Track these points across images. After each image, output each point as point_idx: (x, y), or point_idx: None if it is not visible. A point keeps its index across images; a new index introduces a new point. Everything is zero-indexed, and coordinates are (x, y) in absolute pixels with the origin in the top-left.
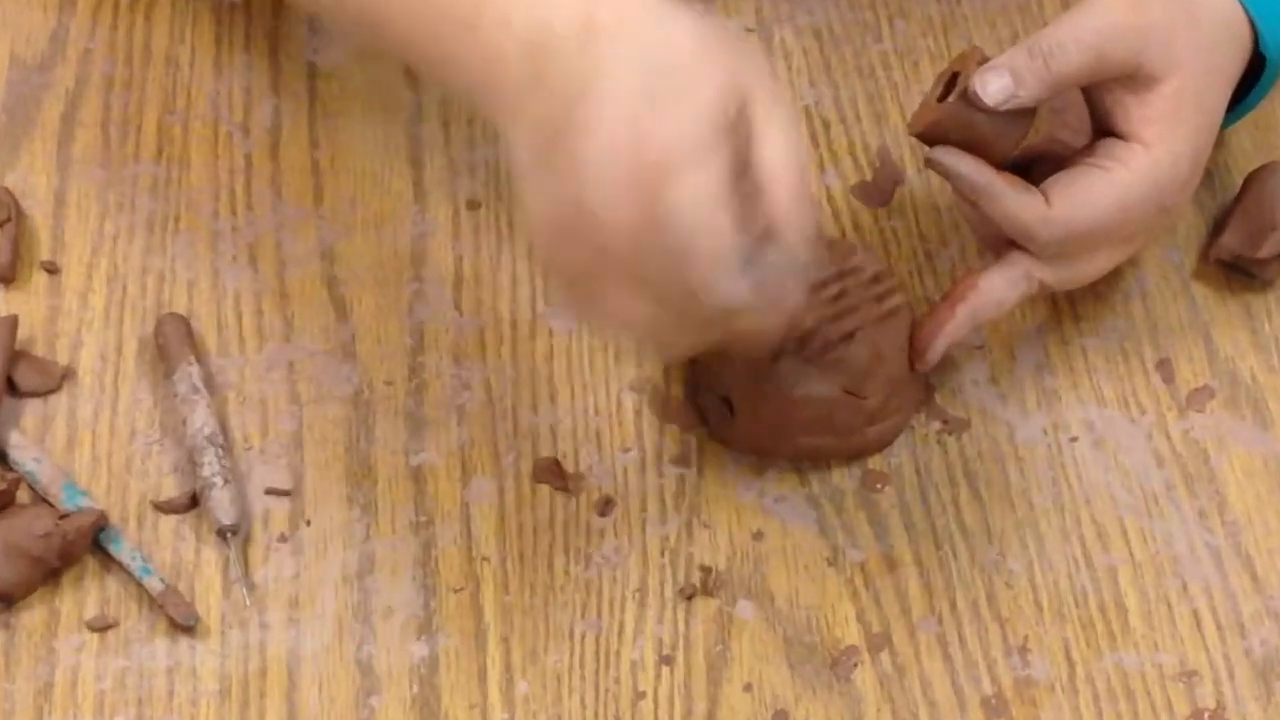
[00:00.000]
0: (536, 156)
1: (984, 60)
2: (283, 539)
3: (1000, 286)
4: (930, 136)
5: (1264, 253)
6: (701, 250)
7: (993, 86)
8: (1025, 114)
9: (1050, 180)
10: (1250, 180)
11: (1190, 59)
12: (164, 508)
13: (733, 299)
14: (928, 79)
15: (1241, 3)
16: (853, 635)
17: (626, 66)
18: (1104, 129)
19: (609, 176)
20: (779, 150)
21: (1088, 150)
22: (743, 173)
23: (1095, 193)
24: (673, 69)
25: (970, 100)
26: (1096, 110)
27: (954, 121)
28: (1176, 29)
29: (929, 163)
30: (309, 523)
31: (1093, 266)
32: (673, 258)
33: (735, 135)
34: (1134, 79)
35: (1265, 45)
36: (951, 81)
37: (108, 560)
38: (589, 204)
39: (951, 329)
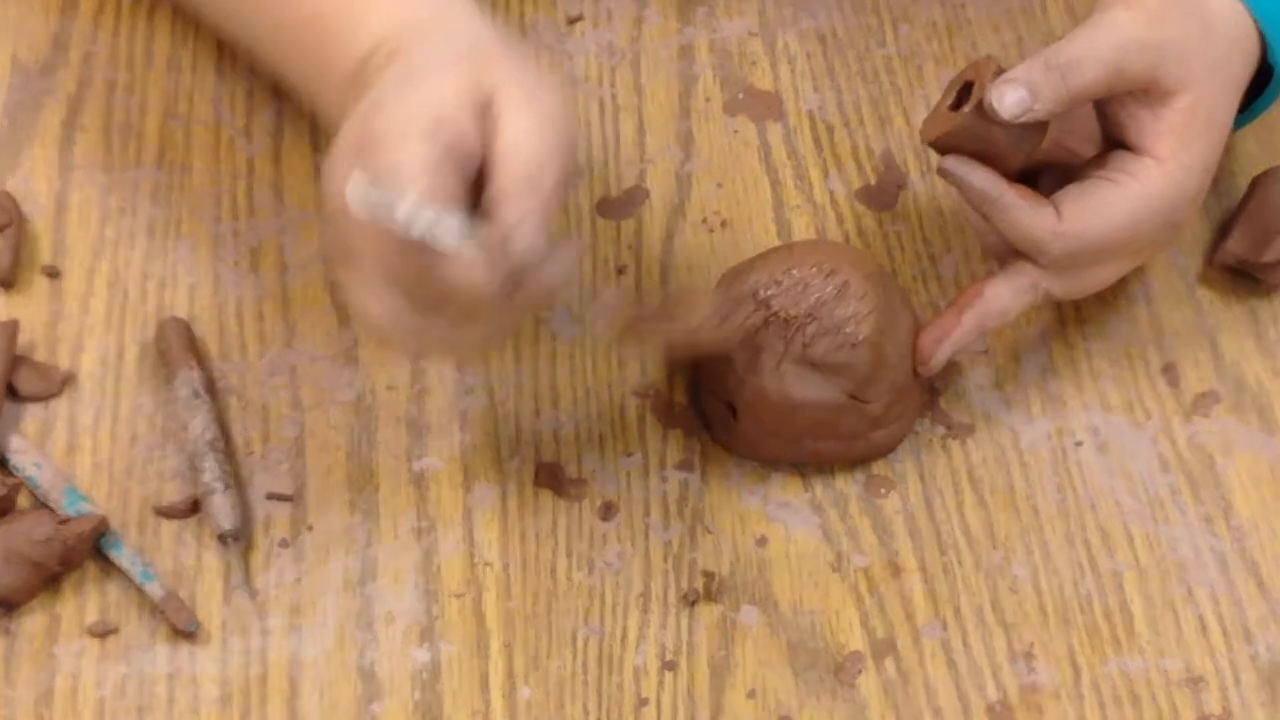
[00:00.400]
0: (334, 148)
1: (999, 71)
2: (284, 544)
3: (1006, 295)
4: (943, 146)
5: (1269, 257)
6: (380, 214)
7: (1009, 99)
8: (1038, 127)
9: (1061, 193)
10: (1255, 185)
11: (1205, 74)
12: (165, 513)
13: (453, 277)
14: (931, 83)
15: (1251, 14)
16: (857, 641)
17: (389, 77)
18: (1115, 141)
19: (332, 165)
20: (509, 137)
21: (1098, 162)
22: (477, 163)
23: (1107, 206)
24: (417, 72)
25: (985, 113)
26: (1109, 122)
27: (968, 133)
28: (1192, 43)
29: (941, 172)
30: (310, 528)
31: (1100, 277)
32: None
33: (469, 127)
34: (1149, 93)
35: (1275, 56)
36: (964, 90)
37: (108, 566)
38: (323, 191)
39: (957, 336)
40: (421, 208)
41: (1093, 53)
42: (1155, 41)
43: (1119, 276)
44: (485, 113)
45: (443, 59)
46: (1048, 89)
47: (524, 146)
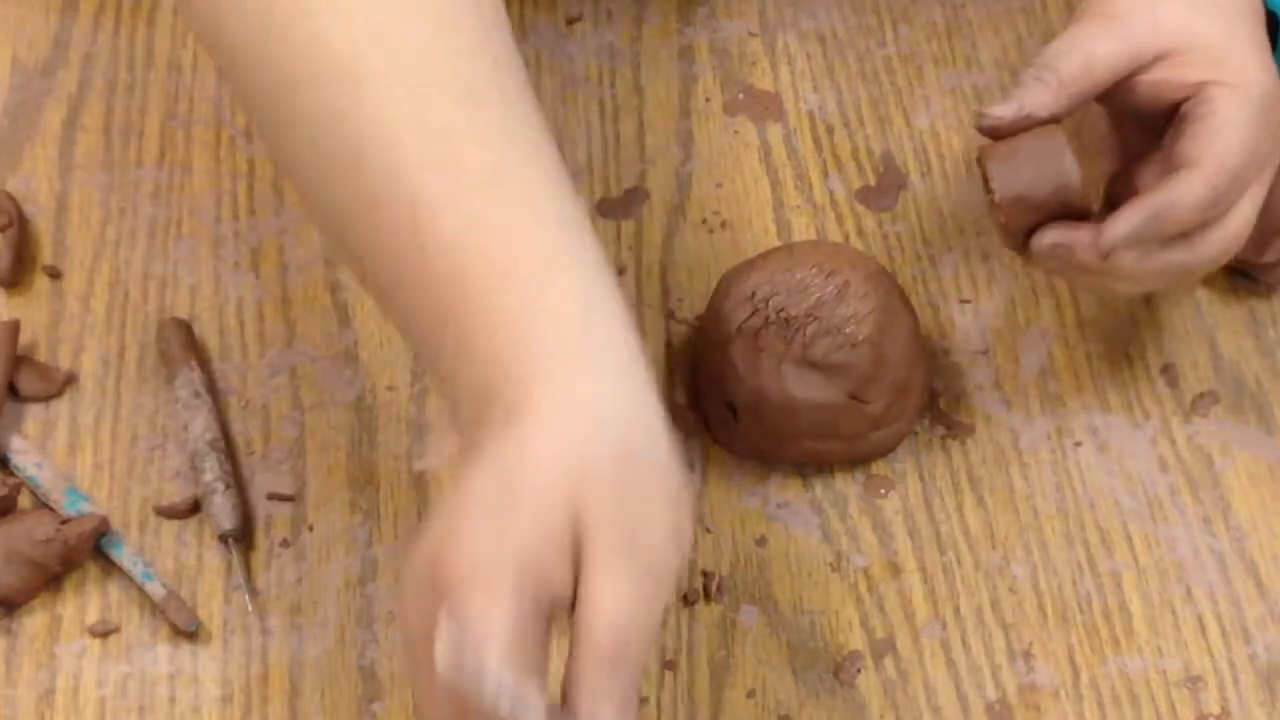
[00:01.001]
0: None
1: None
2: (285, 544)
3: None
4: (1021, 220)
5: (1269, 257)
6: (468, 682)
7: (998, 109)
8: (1060, 150)
9: (1168, 150)
10: None
11: (1209, 21)
12: (166, 513)
13: None
14: (931, 83)
15: None
16: (856, 641)
17: (487, 478)
18: (1170, 112)
19: (410, 589)
20: (596, 602)
21: (1174, 132)
22: (556, 613)
23: (1223, 125)
24: (512, 492)
25: (987, 133)
26: (1153, 110)
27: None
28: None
29: (1037, 260)
30: (311, 528)
31: (1244, 216)
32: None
33: (558, 574)
34: (1160, 59)
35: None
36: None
37: (109, 566)
38: (401, 591)
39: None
40: (508, 681)
41: (1071, 43)
42: (1129, 18)
43: (1256, 212)
44: (576, 552)
45: (540, 479)
46: (1033, 85)
47: (609, 614)
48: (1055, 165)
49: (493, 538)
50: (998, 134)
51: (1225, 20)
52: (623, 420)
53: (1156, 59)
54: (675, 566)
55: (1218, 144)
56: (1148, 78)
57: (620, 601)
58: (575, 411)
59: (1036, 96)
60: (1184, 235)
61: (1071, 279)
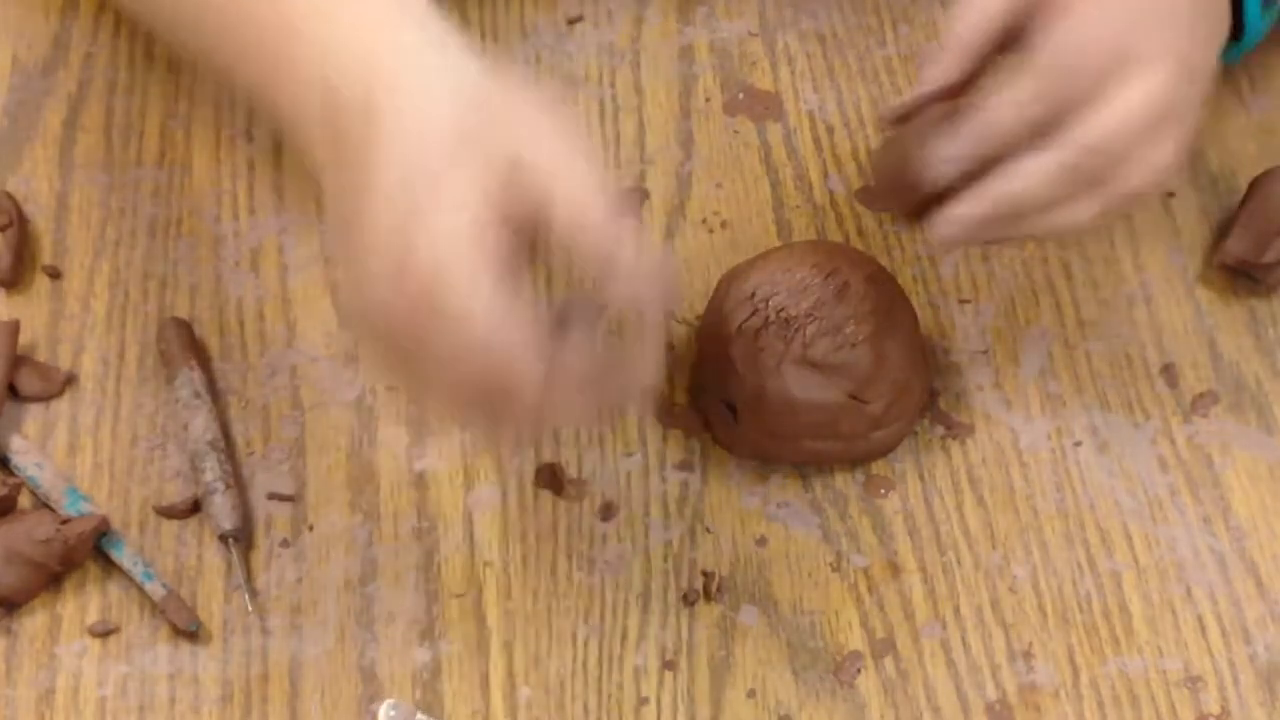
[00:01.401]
0: (336, 227)
1: None
2: (285, 544)
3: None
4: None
5: (1268, 257)
6: (495, 344)
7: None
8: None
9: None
10: (1255, 185)
11: None
12: (166, 513)
13: (529, 402)
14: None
15: None
16: (856, 641)
17: (391, 168)
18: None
19: (384, 289)
20: (568, 204)
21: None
22: (535, 234)
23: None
24: (431, 166)
25: (888, 122)
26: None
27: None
28: None
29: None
30: (311, 528)
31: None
32: (464, 360)
33: (513, 203)
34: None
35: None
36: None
37: (109, 566)
38: (372, 298)
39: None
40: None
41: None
42: None
43: (1166, 99)
44: (516, 178)
45: (452, 136)
46: (925, 69)
47: (588, 208)
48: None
49: (442, 217)
50: (899, 120)
51: None
52: (478, 74)
53: (1034, 5)
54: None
55: (1046, 32)
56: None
57: (580, 191)
58: (441, 92)
59: (928, 73)
60: (1053, 135)
61: (1005, 239)
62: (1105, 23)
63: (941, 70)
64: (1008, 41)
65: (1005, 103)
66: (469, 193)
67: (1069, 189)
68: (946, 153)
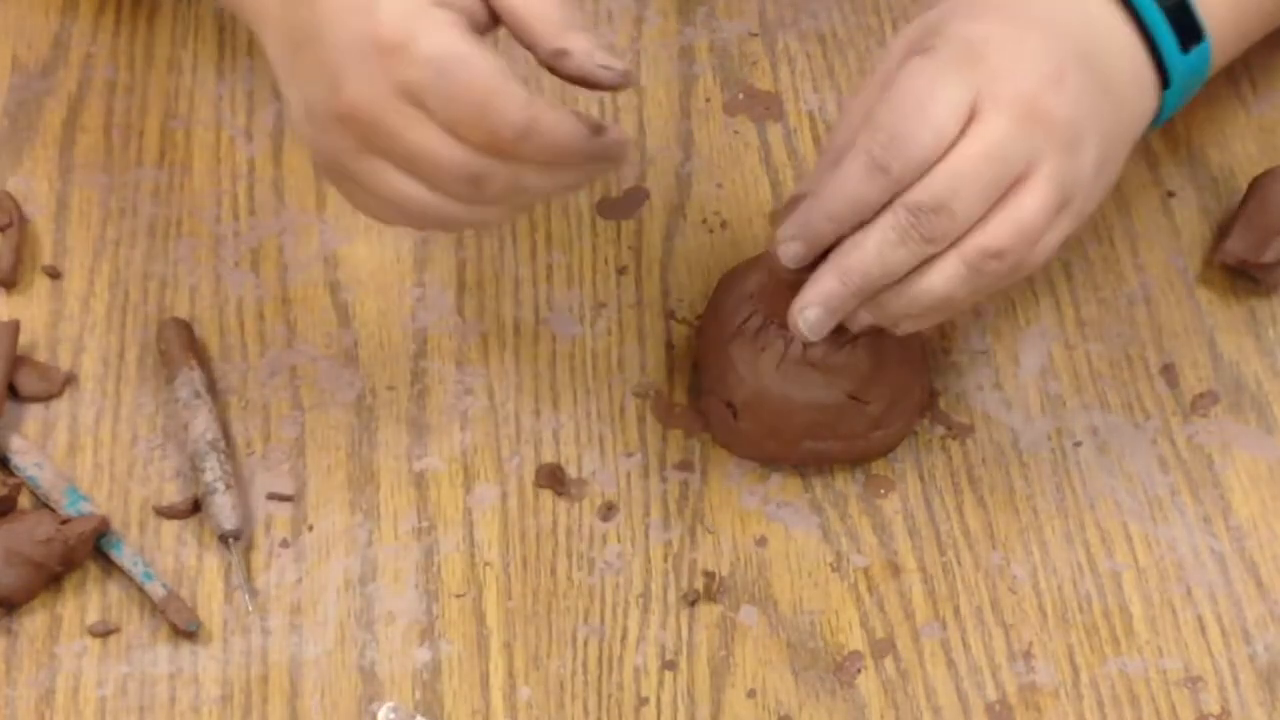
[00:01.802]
0: (290, 59)
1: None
2: (285, 544)
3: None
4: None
5: (1268, 257)
6: (477, 72)
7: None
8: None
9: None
10: (1255, 185)
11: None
12: (166, 513)
13: (522, 118)
14: None
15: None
16: (856, 641)
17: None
18: None
19: (357, 64)
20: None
21: None
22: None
23: (901, 78)
24: None
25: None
26: None
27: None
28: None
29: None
30: (311, 528)
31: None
32: (446, 108)
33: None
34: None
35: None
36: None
37: (109, 566)
38: (346, 93)
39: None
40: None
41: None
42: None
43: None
44: None
45: None
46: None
47: None
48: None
49: None
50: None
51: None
52: None
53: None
54: None
55: (884, 106)
56: None
57: None
58: None
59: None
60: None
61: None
62: (933, 81)
63: (813, 179)
64: None
65: (836, 185)
66: None
67: (912, 252)
68: (785, 232)
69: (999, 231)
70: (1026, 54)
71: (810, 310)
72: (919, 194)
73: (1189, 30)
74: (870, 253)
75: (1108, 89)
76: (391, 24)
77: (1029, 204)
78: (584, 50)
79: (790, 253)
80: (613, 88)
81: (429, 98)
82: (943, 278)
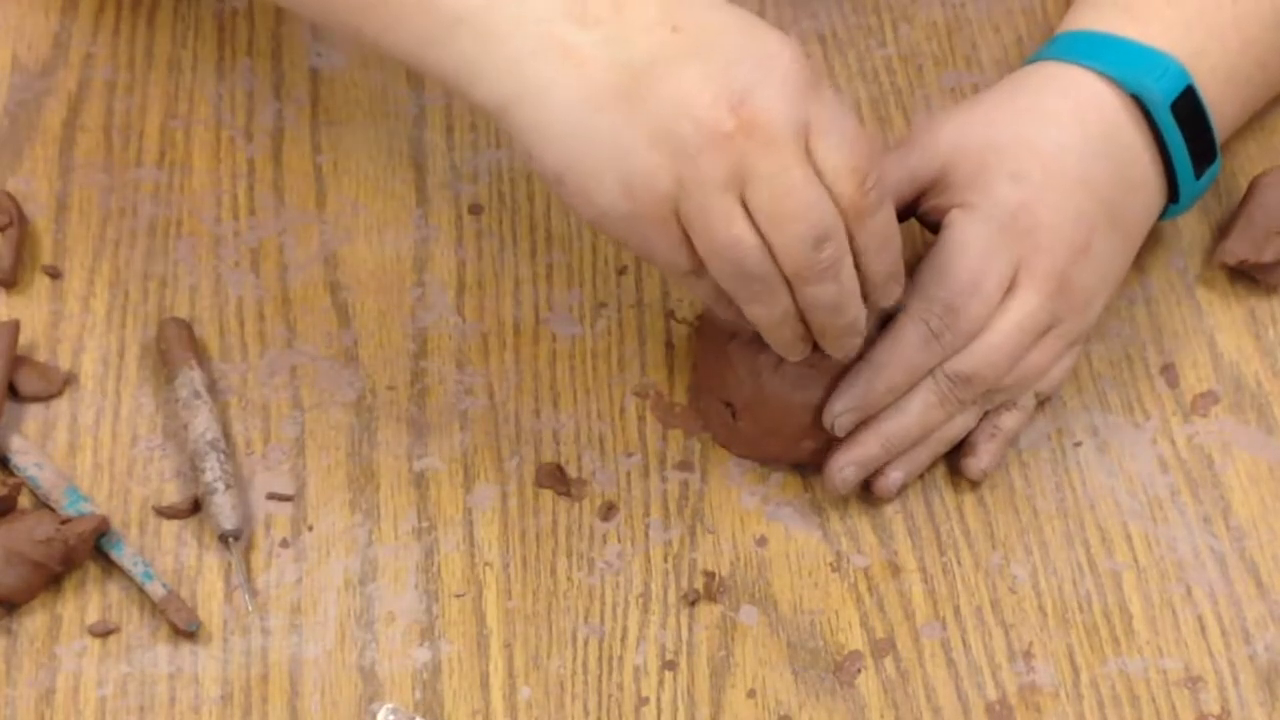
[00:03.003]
0: (606, 105)
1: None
2: (285, 544)
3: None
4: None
5: (1268, 257)
6: (864, 135)
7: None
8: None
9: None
10: (1255, 185)
11: (982, 130)
12: (166, 513)
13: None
14: (932, 83)
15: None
16: (856, 641)
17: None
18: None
19: (768, 77)
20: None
21: None
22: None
23: (950, 245)
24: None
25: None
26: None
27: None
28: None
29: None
30: (311, 528)
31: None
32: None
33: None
34: (937, 182)
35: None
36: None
37: (109, 566)
38: (753, 103)
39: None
40: None
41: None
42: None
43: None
44: None
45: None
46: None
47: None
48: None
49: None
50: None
51: (1005, 124)
52: None
53: (934, 182)
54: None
55: (938, 273)
56: (928, 204)
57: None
58: None
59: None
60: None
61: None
62: (973, 247)
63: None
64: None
65: (894, 355)
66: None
67: (948, 414)
68: (840, 406)
69: (1011, 384)
70: (1064, 226)
71: (849, 470)
72: (961, 364)
73: (1205, 153)
74: (913, 418)
75: (1126, 235)
76: (618, 215)
77: (1036, 358)
78: None
79: (844, 424)
80: None
81: (827, 131)
82: (962, 426)
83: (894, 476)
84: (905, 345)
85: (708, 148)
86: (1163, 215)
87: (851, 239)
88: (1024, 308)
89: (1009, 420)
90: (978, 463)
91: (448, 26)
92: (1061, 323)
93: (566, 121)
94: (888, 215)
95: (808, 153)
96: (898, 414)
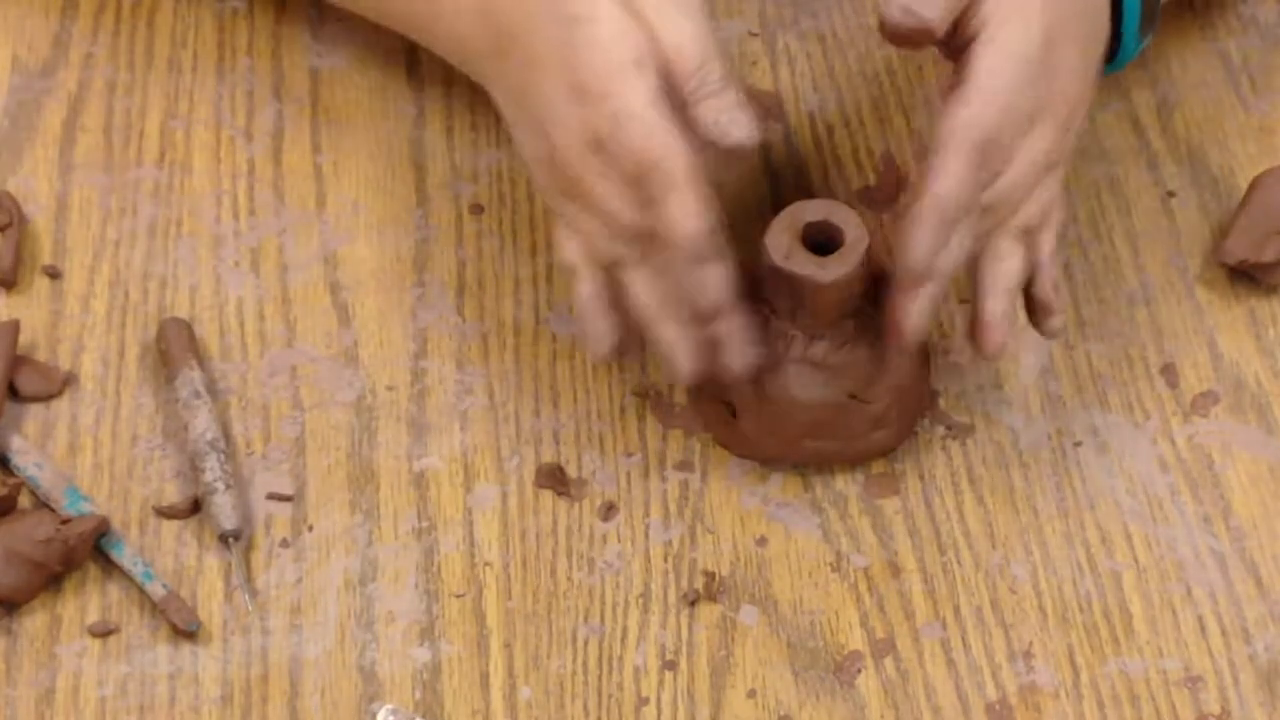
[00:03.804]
0: (514, 113)
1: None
2: (285, 544)
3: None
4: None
5: (1268, 257)
6: (645, 150)
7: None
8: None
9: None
10: (1255, 185)
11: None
12: (166, 513)
13: (667, 193)
14: (932, 83)
15: None
16: (856, 641)
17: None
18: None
19: (561, 112)
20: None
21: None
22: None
23: (987, 72)
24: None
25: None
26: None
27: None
28: None
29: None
30: (311, 528)
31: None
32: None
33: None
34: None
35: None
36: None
37: (109, 566)
38: (550, 139)
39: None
40: None
41: None
42: None
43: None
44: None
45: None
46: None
47: (688, 37)
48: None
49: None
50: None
51: None
52: None
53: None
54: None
55: (972, 105)
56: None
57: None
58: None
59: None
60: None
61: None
62: (1018, 90)
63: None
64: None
65: (948, 187)
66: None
67: (974, 241)
68: (918, 256)
69: (1029, 213)
70: (1077, 68)
71: (917, 318)
72: (994, 194)
73: (1149, 19)
74: (956, 253)
75: (1098, 42)
76: (591, 77)
77: (1052, 189)
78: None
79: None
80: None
81: (606, 149)
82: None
83: (914, 309)
84: (955, 177)
85: (540, 172)
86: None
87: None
88: (1041, 144)
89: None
90: (1053, 321)
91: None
92: (1059, 163)
93: (515, 89)
94: (669, 216)
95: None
96: (947, 253)
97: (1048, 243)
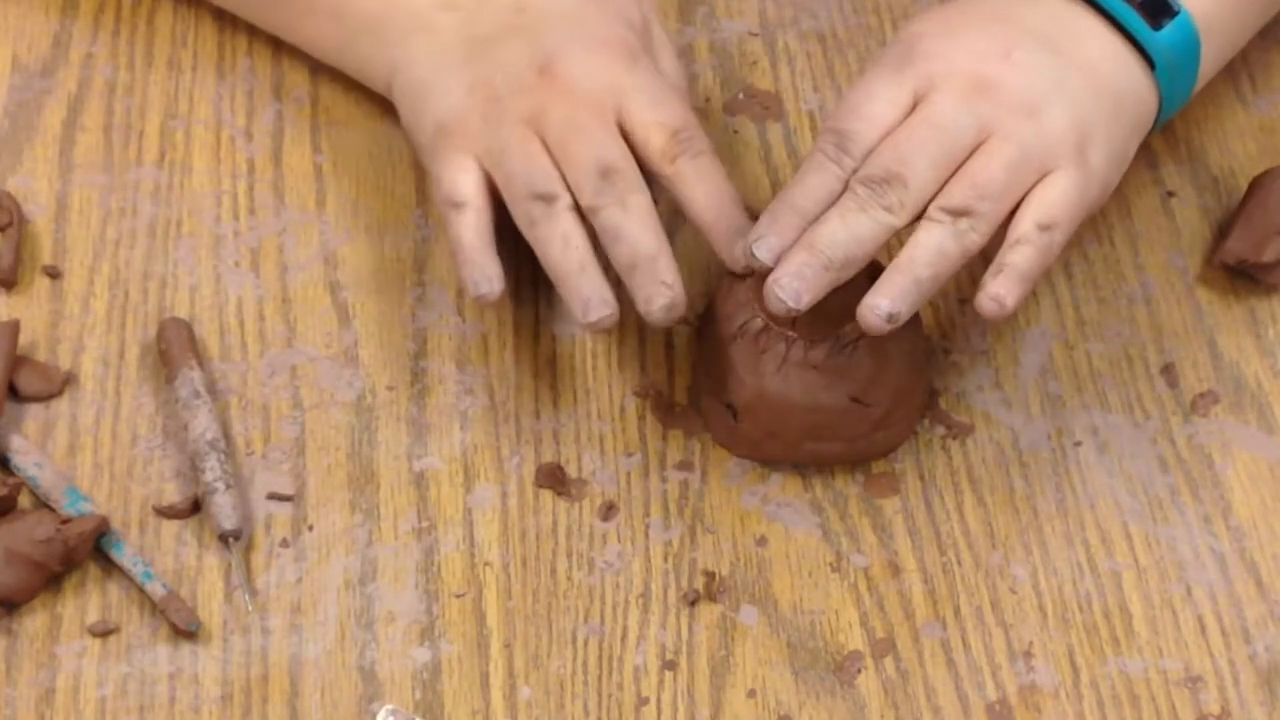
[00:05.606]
0: (447, 66)
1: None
2: (285, 544)
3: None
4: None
5: (1268, 257)
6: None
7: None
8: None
9: None
10: (1255, 185)
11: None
12: (166, 513)
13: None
14: None
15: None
16: (856, 641)
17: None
18: None
19: (426, 158)
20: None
21: None
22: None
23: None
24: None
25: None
26: None
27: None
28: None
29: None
30: (311, 528)
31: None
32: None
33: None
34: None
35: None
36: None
37: (109, 566)
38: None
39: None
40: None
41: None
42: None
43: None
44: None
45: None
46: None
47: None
48: None
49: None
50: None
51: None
52: None
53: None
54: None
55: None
56: None
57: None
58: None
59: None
60: None
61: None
62: (871, 84)
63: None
64: None
65: (795, 184)
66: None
67: (875, 219)
68: (755, 233)
69: (954, 189)
70: (963, 41)
71: (785, 280)
72: (869, 169)
73: (1158, 6)
74: (833, 222)
75: (1075, 65)
76: (429, 149)
77: (983, 161)
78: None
79: (766, 249)
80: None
81: (638, 93)
82: (936, 246)
83: (878, 304)
84: (804, 172)
85: (512, 93)
86: (1161, 87)
87: (669, 181)
88: (932, 108)
89: (1016, 255)
90: (984, 294)
91: (353, 33)
92: (1002, 126)
93: (420, 81)
94: (705, 160)
95: (620, 114)
96: (819, 224)
97: (1018, 253)
